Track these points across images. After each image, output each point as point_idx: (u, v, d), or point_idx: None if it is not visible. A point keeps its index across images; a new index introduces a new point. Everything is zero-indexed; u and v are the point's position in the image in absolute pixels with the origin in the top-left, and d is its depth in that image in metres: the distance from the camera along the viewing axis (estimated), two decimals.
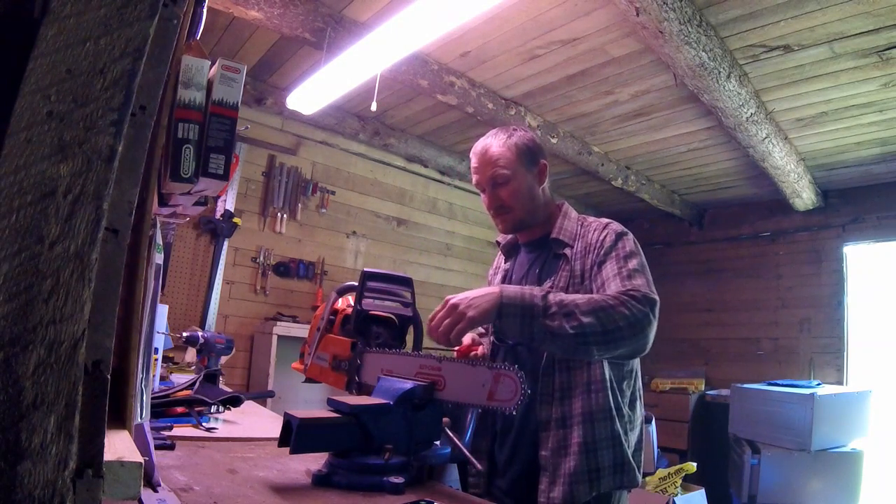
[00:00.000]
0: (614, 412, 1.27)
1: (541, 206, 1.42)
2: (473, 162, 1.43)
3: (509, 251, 1.56)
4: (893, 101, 3.01)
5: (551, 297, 1.14)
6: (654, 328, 1.17)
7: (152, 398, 1.31)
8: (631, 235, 1.34)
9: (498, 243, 1.59)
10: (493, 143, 1.39)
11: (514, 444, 1.35)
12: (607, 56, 2.85)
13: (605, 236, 1.32)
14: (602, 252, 1.29)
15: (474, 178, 1.44)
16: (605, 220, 1.38)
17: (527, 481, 1.28)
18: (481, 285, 1.31)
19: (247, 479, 0.96)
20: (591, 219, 1.41)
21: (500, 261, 1.60)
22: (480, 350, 1.42)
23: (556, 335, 1.11)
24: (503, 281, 1.51)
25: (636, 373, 1.38)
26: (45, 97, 0.48)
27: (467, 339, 1.45)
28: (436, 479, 1.15)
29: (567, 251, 1.35)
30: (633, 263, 1.25)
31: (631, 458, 1.29)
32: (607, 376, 1.28)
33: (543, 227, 1.43)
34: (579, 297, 1.15)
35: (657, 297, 1.18)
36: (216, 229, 3.50)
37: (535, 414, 1.28)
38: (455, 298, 1.15)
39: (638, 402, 1.37)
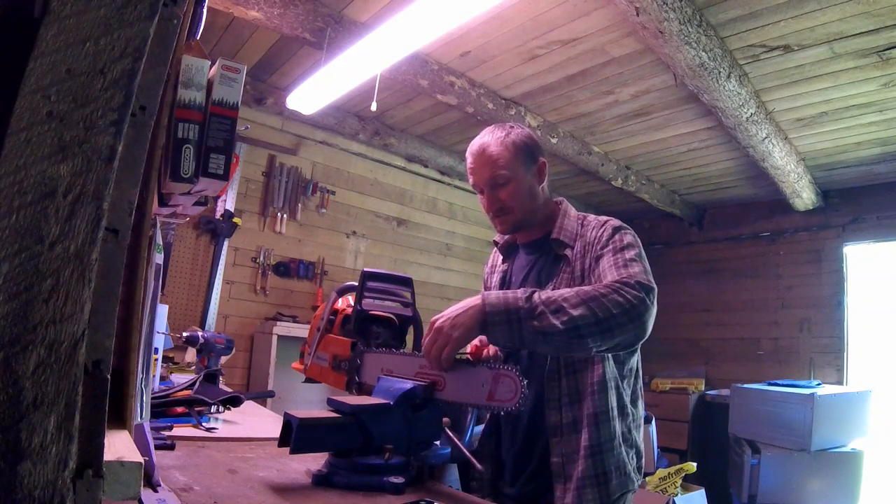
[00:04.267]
0: (618, 412, 1.25)
1: (540, 205, 1.39)
2: (470, 162, 1.37)
3: (507, 251, 1.51)
4: (893, 101, 3.01)
5: (536, 296, 1.08)
6: (653, 315, 1.11)
7: (152, 398, 1.31)
8: (630, 230, 1.31)
9: (495, 242, 1.54)
10: (491, 141, 1.34)
11: (525, 451, 1.32)
12: (607, 56, 2.84)
13: (603, 232, 1.29)
14: (599, 247, 1.26)
15: (471, 178, 1.38)
16: (605, 218, 1.35)
17: (537, 489, 1.26)
18: (481, 285, 1.28)
19: (247, 479, 0.96)
20: (590, 217, 1.38)
21: (496, 259, 1.56)
22: (492, 350, 1.38)
23: (546, 334, 1.05)
24: (502, 283, 1.48)
25: (638, 371, 1.36)
26: (45, 97, 0.48)
27: (476, 341, 1.39)
28: (436, 479, 1.14)
29: (568, 252, 1.32)
30: (629, 254, 1.21)
31: (634, 458, 1.28)
32: (611, 376, 1.26)
33: (543, 226, 1.39)
34: (567, 291, 1.10)
35: (654, 285, 1.14)
36: (216, 229, 3.50)
37: (544, 419, 1.26)
38: (439, 320, 1.09)
39: (640, 401, 1.35)
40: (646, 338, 1.13)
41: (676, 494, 3.39)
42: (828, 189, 4.42)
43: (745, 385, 3.85)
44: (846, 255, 4.37)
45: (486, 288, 1.53)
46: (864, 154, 3.76)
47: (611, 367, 1.26)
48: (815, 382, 3.94)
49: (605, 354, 1.23)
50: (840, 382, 4.15)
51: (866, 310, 4.27)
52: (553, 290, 1.22)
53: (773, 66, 2.75)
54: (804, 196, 4.18)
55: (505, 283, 1.47)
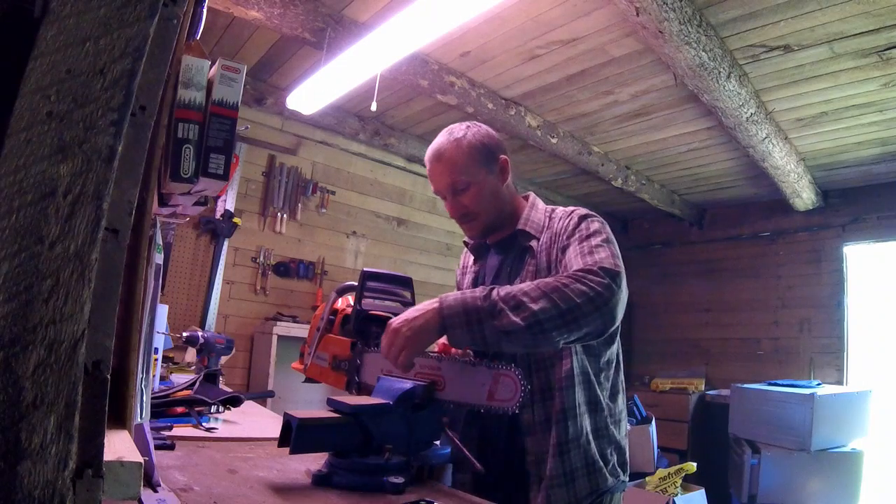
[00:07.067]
0: (587, 407, 1.22)
1: (507, 204, 1.35)
2: (428, 169, 1.33)
3: (478, 251, 1.47)
4: (893, 101, 3.01)
5: (495, 293, 1.04)
6: (621, 300, 1.08)
7: (152, 398, 1.31)
8: (597, 217, 1.27)
9: (465, 243, 1.51)
10: (447, 146, 1.30)
11: (504, 452, 1.28)
12: (607, 56, 2.84)
13: (569, 222, 1.26)
14: (566, 236, 1.24)
15: (432, 185, 1.33)
16: (572, 208, 1.32)
17: (515, 489, 1.23)
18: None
19: (247, 479, 0.96)
20: (559, 209, 1.35)
21: (467, 260, 1.53)
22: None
23: (509, 333, 1.01)
24: (475, 283, 1.43)
25: (616, 364, 1.32)
26: (45, 97, 0.48)
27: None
28: (436, 479, 1.14)
29: (533, 243, 1.29)
30: (595, 240, 1.18)
31: (615, 455, 1.24)
32: (580, 370, 1.22)
33: (511, 224, 1.35)
34: (527, 285, 1.06)
35: (620, 269, 1.10)
36: (216, 229, 3.50)
37: (519, 418, 1.22)
38: (395, 321, 1.06)
39: (620, 396, 1.32)
40: (616, 325, 1.10)
41: (676, 494, 3.38)
42: (828, 189, 4.42)
43: (745, 385, 3.85)
44: (846, 255, 4.37)
45: (459, 289, 1.49)
46: (864, 154, 3.76)
47: (580, 361, 1.23)
48: (815, 382, 3.94)
49: (573, 348, 1.21)
50: (840, 382, 4.15)
51: (866, 310, 4.26)
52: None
53: (773, 66, 2.75)
54: (804, 196, 4.18)
55: (478, 284, 1.42)
